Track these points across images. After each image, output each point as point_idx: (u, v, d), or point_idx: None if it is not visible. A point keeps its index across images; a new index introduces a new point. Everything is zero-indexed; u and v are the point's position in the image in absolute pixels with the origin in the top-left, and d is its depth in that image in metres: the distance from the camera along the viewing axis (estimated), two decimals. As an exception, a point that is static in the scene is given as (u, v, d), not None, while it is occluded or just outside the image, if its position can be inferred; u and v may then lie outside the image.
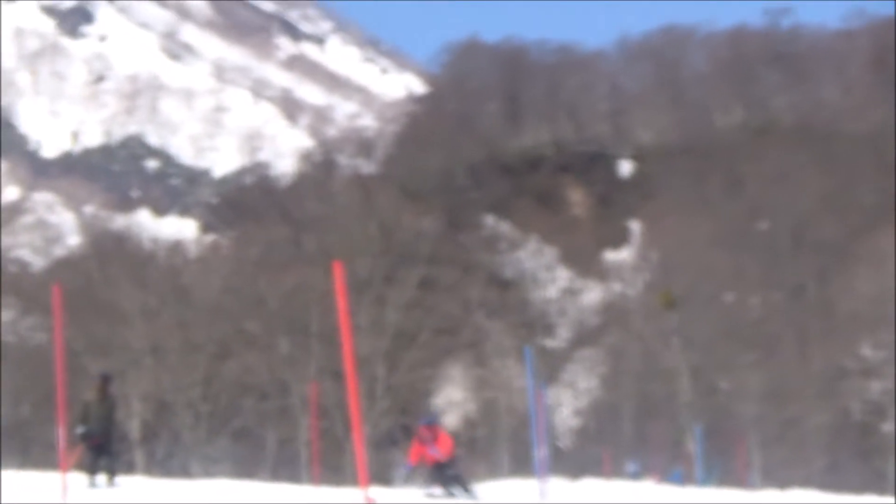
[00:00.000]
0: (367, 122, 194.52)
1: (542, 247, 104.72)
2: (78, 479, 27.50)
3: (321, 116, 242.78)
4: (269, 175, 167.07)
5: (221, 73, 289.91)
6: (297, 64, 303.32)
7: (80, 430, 26.98)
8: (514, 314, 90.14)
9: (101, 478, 27.04)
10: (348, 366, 9.80)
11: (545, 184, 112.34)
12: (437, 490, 25.66)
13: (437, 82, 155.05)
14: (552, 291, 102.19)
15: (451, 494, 25.25)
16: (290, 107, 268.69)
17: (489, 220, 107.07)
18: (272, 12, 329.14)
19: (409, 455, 26.64)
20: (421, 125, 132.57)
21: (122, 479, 29.16)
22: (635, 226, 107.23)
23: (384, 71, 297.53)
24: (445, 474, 25.54)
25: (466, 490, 25.72)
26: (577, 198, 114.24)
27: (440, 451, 25.46)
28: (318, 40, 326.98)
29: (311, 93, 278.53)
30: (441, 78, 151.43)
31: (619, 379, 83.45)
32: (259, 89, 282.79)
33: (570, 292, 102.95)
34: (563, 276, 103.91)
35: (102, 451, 27.20)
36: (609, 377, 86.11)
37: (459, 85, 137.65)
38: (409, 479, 28.49)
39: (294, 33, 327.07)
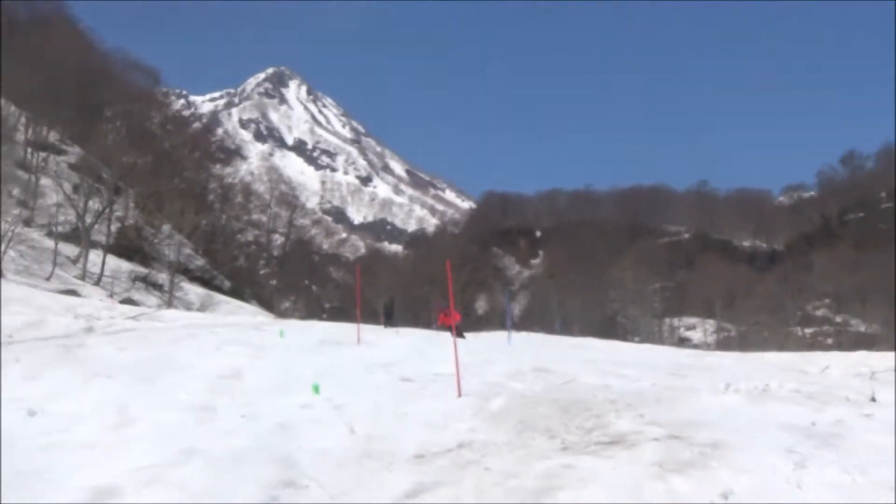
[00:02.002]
0: (456, 216, 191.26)
1: (514, 263, 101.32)
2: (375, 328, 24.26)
3: (441, 214, 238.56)
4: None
5: (399, 193, 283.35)
6: (436, 198, 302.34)
7: (384, 312, 24.42)
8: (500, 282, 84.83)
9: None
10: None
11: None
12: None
13: (479, 204, 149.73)
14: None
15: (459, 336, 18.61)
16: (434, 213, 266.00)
17: (499, 253, 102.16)
18: (428, 179, 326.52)
19: (439, 319, 21.04)
20: (473, 222, 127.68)
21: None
22: (542, 252, 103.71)
23: (463, 200, 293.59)
24: (455, 329, 19.80)
25: (461, 336, 19.26)
26: (524, 245, 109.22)
27: (451, 319, 21.17)
28: (442, 188, 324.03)
29: (436, 208, 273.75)
30: (481, 202, 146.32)
31: (540, 304, 75.99)
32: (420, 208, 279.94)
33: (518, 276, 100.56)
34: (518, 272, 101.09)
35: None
36: (533, 302, 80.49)
37: (487, 207, 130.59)
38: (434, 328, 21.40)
39: (433, 185, 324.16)
